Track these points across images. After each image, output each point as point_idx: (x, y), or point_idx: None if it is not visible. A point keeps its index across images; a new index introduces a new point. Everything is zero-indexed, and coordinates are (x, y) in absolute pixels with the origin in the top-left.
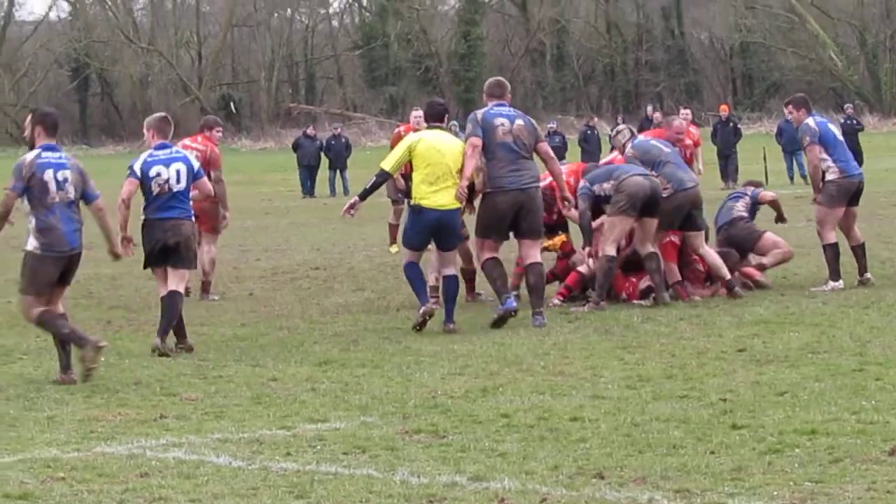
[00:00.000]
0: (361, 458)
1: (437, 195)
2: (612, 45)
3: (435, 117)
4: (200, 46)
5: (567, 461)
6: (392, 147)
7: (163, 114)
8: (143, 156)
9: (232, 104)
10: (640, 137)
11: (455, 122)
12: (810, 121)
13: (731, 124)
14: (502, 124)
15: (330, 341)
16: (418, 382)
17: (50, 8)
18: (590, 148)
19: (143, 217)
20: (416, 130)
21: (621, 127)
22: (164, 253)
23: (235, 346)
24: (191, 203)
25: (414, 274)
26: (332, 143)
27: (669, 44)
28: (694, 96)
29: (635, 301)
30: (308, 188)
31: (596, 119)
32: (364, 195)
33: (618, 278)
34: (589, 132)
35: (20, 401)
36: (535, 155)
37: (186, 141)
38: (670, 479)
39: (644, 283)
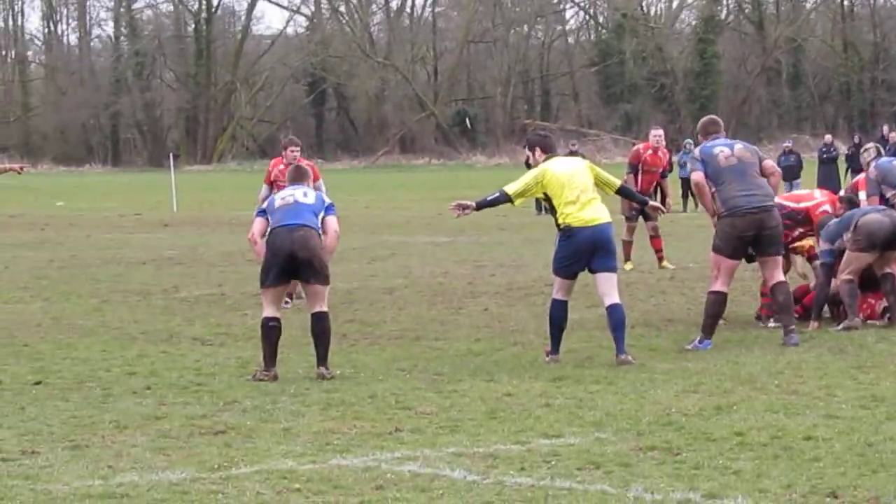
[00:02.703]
0: (596, 474)
1: (584, 212)
2: (849, 63)
3: (547, 150)
4: (436, 62)
5: (800, 480)
6: (630, 163)
7: (296, 164)
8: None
9: (467, 120)
10: (884, 158)
11: (690, 141)
12: None
13: None
14: (722, 150)
15: (564, 357)
16: (652, 399)
17: (287, 22)
18: (827, 168)
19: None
20: (654, 149)
21: (869, 145)
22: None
23: (470, 361)
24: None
25: (559, 315)
26: None
27: None
28: None
29: (870, 321)
30: (540, 205)
31: (830, 138)
32: (480, 206)
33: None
34: (824, 152)
35: (256, 412)
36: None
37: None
38: None
39: (882, 303)
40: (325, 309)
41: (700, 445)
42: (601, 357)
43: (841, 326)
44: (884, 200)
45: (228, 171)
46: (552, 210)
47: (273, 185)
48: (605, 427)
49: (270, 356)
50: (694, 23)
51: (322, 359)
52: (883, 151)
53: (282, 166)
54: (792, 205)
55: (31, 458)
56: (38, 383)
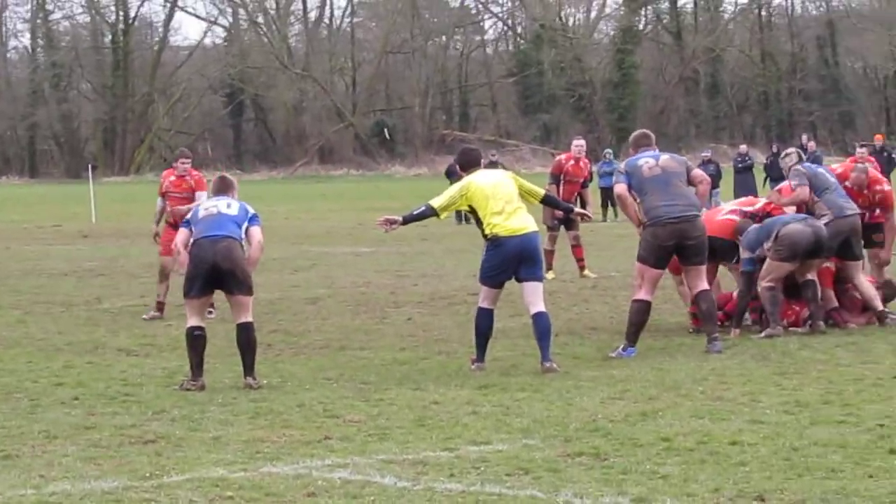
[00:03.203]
0: (525, 480)
1: (511, 221)
2: (767, 73)
3: (472, 164)
4: (355, 73)
5: (728, 484)
6: (552, 174)
7: (221, 175)
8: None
9: (386, 130)
10: (807, 163)
11: (609, 151)
12: None
13: (886, 154)
14: (647, 161)
15: (489, 365)
16: (579, 406)
17: (205, 34)
18: (742, 177)
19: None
20: (576, 159)
21: (790, 150)
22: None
23: (396, 370)
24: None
25: (485, 323)
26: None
27: (824, 73)
28: (848, 125)
29: (793, 328)
30: (461, 215)
31: (745, 147)
32: (406, 220)
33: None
34: (739, 161)
35: (185, 422)
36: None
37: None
38: (829, 502)
39: (806, 311)
40: (250, 319)
41: (627, 451)
42: (526, 365)
43: (763, 334)
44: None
45: (147, 183)
46: (478, 222)
47: (165, 196)
48: (532, 434)
49: (197, 365)
50: (612, 33)
51: (249, 368)
52: (804, 157)
53: (173, 178)
54: (749, 209)
55: None
56: None
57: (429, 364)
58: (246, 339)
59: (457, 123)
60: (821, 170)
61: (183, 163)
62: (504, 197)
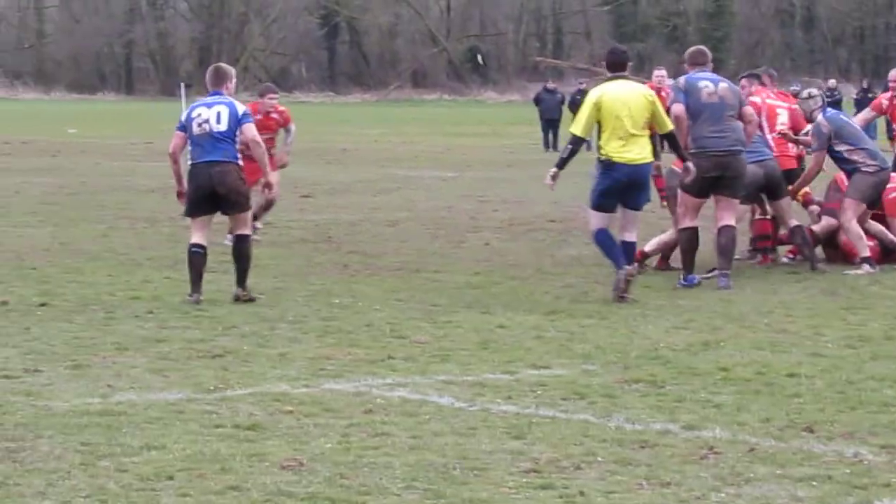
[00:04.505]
0: (579, 404)
1: (627, 149)
2: (863, 8)
3: (616, 66)
4: None
5: (779, 414)
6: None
7: (216, 64)
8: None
9: (479, 57)
10: (831, 111)
11: None
12: None
13: None
14: (706, 86)
15: (560, 292)
16: (642, 334)
17: None
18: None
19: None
20: (657, 89)
21: (815, 92)
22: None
23: (467, 294)
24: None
25: (607, 240)
26: (577, 97)
27: None
28: None
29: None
30: (548, 142)
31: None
32: (561, 164)
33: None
34: (828, 95)
35: (254, 338)
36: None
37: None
38: (877, 434)
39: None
40: (246, 232)
41: (684, 379)
42: (597, 292)
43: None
44: (834, 155)
45: (240, 102)
46: (598, 135)
47: None
48: (593, 359)
49: (195, 280)
50: None
51: (240, 279)
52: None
53: (259, 116)
54: None
55: (33, 376)
56: (43, 305)
57: (500, 289)
58: (239, 250)
59: (550, 51)
60: (843, 118)
61: (271, 98)
62: (631, 119)
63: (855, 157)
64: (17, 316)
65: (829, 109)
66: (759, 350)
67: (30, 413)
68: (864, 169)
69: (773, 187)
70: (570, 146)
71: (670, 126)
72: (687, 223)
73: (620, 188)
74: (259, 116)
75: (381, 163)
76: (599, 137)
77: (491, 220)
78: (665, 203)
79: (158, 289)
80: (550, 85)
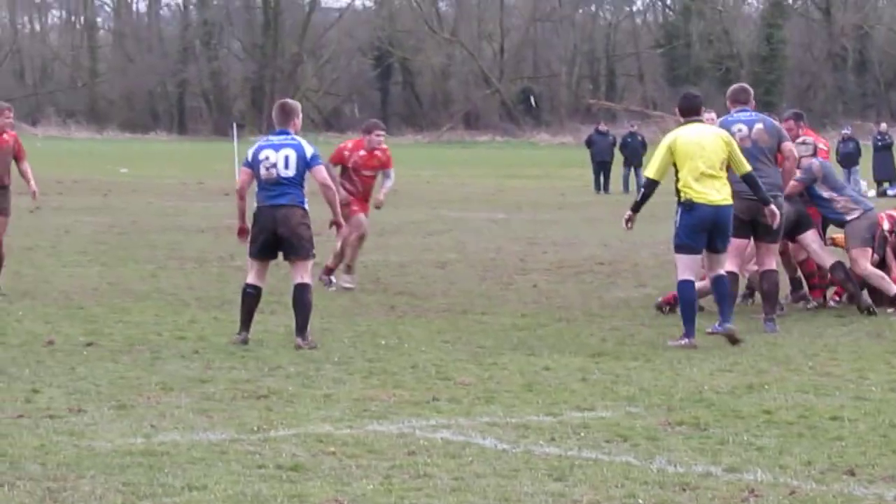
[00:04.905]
0: (623, 446)
1: (706, 190)
2: None
3: (690, 111)
4: (503, 39)
5: (821, 457)
6: None
7: (282, 101)
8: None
9: (532, 98)
10: (821, 160)
11: None
12: None
13: None
14: (740, 130)
15: (606, 334)
16: (687, 377)
17: None
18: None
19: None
20: None
21: (809, 140)
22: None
23: (513, 336)
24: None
25: (687, 295)
26: (629, 140)
27: None
28: None
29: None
30: (600, 184)
31: (885, 126)
32: (637, 207)
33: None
34: (879, 139)
35: (299, 378)
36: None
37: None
38: None
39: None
40: (306, 281)
41: (728, 422)
42: (642, 335)
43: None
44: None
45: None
46: (676, 179)
47: (348, 168)
48: (637, 402)
49: (244, 320)
50: (761, 7)
51: (300, 328)
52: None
53: (363, 152)
54: None
55: (77, 416)
56: (89, 345)
57: (546, 331)
58: (299, 299)
59: (603, 93)
60: (831, 167)
61: (377, 135)
62: (707, 160)
63: (835, 205)
64: (63, 356)
65: (820, 159)
66: (803, 393)
67: (72, 453)
68: (849, 217)
69: (800, 223)
70: (643, 189)
71: (748, 167)
72: (728, 268)
73: (703, 228)
74: (363, 153)
75: (432, 204)
76: (677, 181)
77: (540, 262)
78: None
79: (205, 329)
80: (602, 127)
